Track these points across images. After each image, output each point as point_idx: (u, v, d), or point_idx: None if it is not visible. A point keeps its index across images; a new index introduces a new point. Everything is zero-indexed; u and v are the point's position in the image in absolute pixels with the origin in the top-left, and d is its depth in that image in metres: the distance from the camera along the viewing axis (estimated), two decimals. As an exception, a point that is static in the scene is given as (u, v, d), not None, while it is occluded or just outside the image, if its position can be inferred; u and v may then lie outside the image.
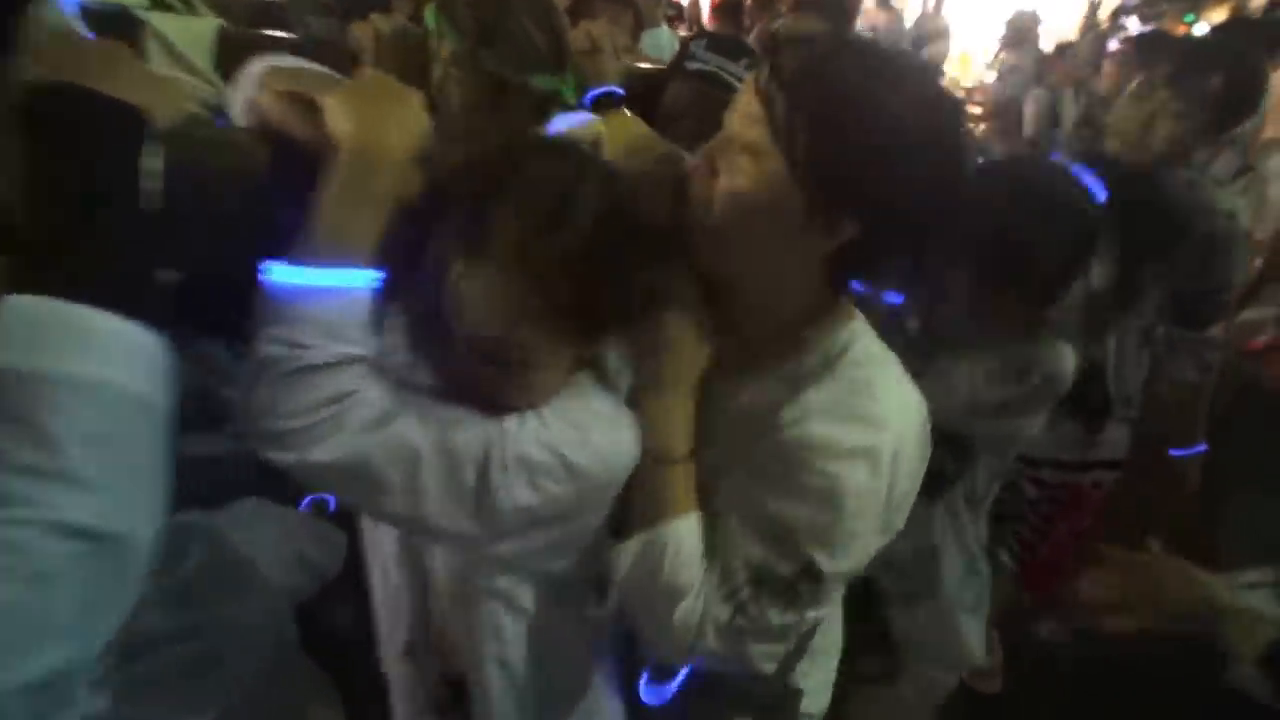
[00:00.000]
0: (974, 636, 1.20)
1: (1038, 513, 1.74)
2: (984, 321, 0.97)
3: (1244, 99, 1.42)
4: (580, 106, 1.11)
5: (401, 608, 0.86)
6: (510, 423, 0.63)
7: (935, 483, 0.99)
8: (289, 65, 0.66)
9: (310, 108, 0.61)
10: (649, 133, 0.76)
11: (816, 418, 0.70)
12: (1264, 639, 0.87)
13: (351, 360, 0.58)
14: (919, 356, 0.96)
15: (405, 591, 0.84)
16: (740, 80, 1.28)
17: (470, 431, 0.62)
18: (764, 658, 0.76)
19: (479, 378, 0.64)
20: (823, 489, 0.68)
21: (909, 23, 6.61)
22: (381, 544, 0.85)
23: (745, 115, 0.66)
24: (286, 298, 0.57)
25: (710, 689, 0.88)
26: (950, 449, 0.98)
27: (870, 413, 0.70)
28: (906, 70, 0.67)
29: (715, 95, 1.23)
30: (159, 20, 1.20)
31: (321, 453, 0.56)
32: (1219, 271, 1.47)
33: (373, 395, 0.59)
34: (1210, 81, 1.31)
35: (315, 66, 0.66)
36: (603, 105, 1.08)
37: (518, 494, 0.63)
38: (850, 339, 0.74)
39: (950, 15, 7.03)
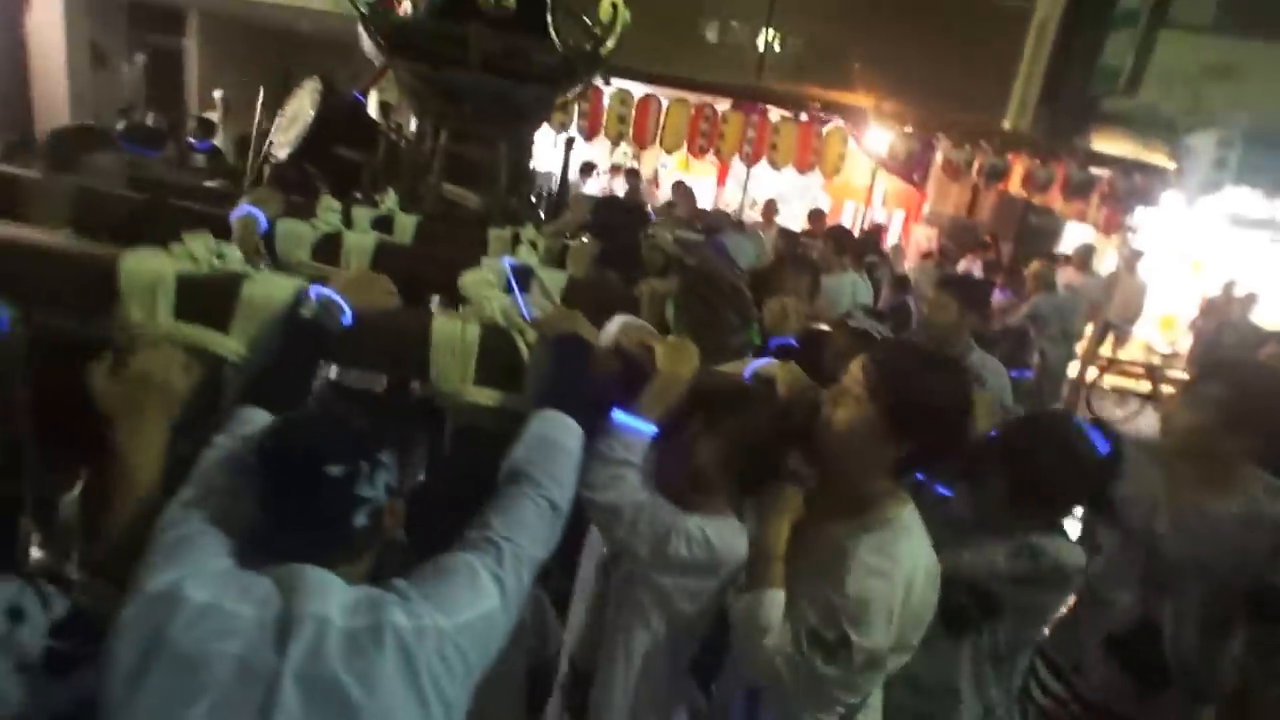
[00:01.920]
0: None
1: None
2: (1008, 517, 1.43)
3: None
4: (766, 348, 1.81)
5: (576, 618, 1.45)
6: (687, 515, 1.28)
7: (961, 622, 1.43)
8: (635, 323, 1.41)
9: (645, 347, 1.34)
10: (804, 376, 1.41)
11: (863, 550, 1.20)
12: None
13: (629, 463, 1.27)
14: (960, 531, 1.46)
15: (582, 605, 1.44)
16: (881, 335, 1.95)
17: (669, 511, 1.28)
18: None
19: (681, 488, 1.31)
20: (857, 590, 1.17)
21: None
22: (586, 578, 1.47)
23: (854, 377, 1.27)
24: (616, 426, 1.28)
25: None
26: (978, 599, 1.39)
27: (894, 553, 1.20)
28: (939, 360, 1.30)
29: (866, 344, 1.88)
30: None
31: (599, 495, 1.25)
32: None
33: (633, 479, 1.27)
34: None
35: (648, 326, 1.41)
36: (781, 351, 1.77)
37: (680, 549, 1.25)
38: (897, 512, 1.25)
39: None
